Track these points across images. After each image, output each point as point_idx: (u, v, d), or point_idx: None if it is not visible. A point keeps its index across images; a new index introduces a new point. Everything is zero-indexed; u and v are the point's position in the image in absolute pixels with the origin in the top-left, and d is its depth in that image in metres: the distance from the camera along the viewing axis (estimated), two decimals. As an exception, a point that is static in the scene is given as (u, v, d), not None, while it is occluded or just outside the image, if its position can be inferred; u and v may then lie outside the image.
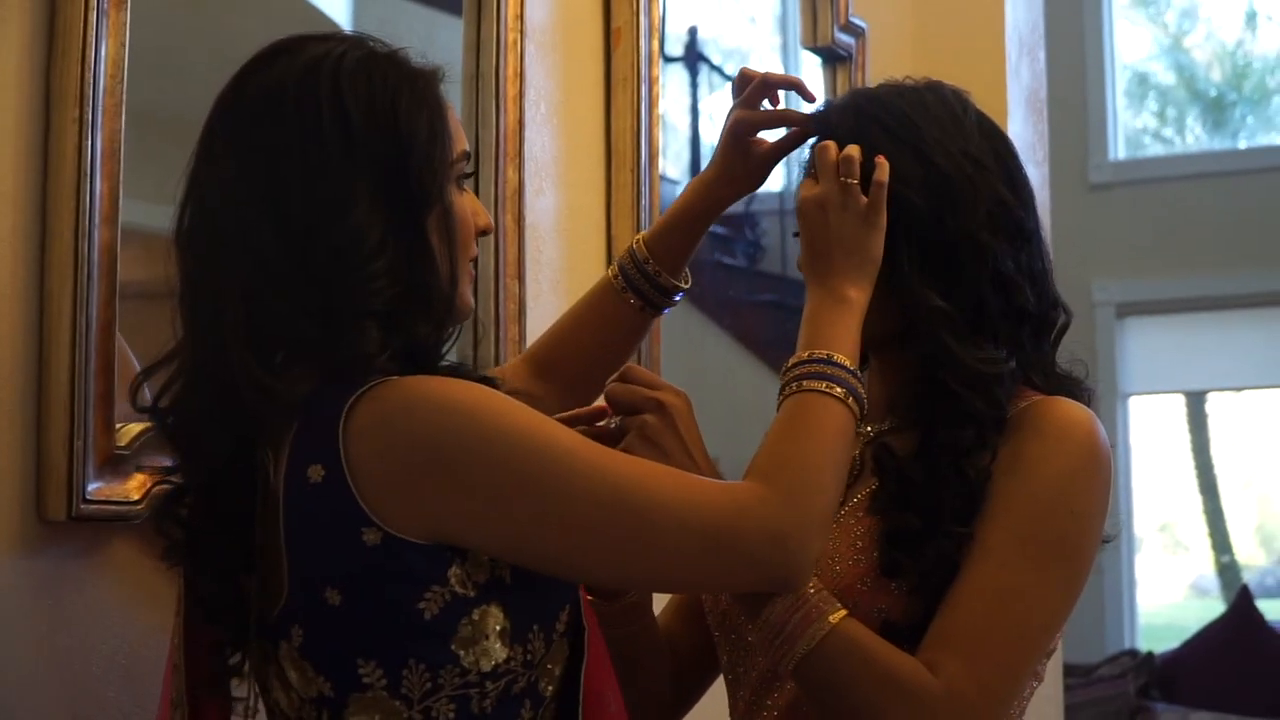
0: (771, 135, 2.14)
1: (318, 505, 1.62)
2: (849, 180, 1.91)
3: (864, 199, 1.91)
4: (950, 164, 1.96)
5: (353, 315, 1.66)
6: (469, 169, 1.84)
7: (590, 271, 3.15)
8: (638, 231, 3.17)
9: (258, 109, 1.70)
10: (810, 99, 2.14)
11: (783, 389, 1.82)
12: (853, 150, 1.93)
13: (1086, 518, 1.90)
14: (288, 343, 1.68)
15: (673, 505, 1.64)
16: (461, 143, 1.80)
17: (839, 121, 2.02)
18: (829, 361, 1.81)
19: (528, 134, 2.94)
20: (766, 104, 2.13)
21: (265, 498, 1.69)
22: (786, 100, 2.15)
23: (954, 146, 1.98)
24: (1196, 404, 10.68)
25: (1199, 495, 10.93)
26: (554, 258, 3.05)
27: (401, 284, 1.68)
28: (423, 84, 1.75)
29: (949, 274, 1.95)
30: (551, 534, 1.63)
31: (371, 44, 1.76)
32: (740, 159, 2.13)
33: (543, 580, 1.68)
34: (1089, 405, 1.98)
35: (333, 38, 1.76)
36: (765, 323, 6.33)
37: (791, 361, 1.84)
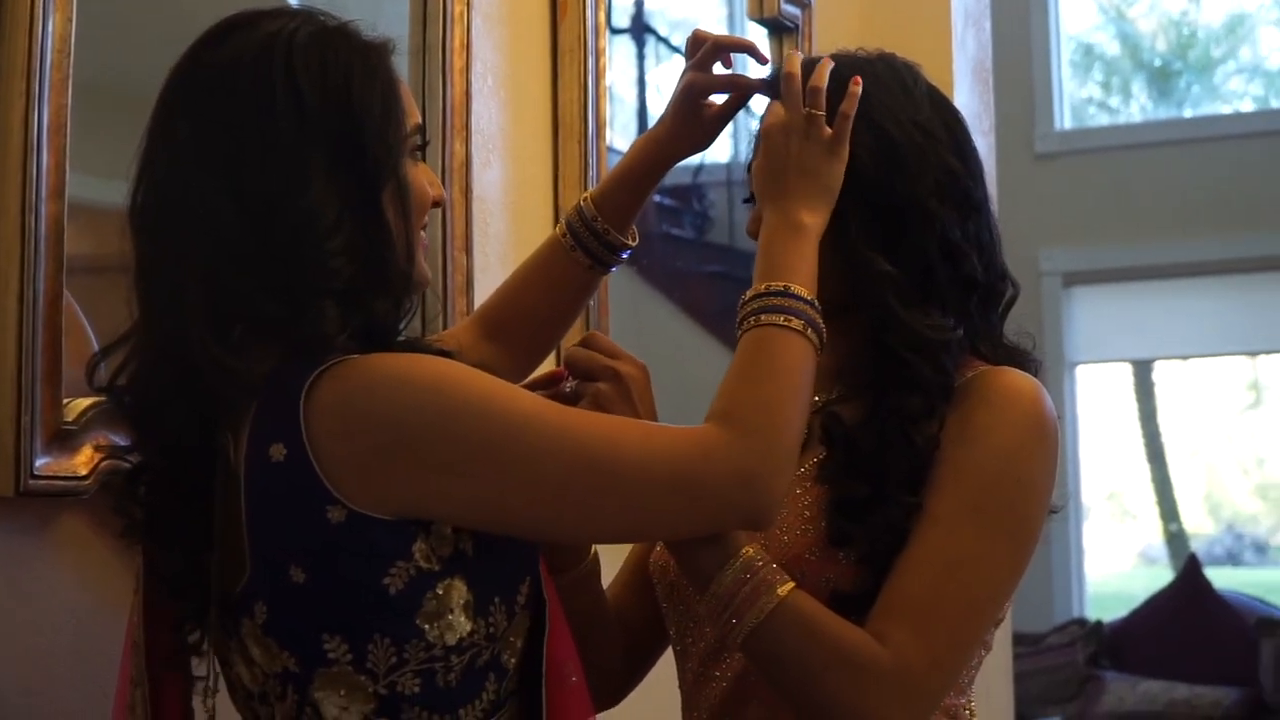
0: (722, 98, 2.15)
1: (280, 484, 1.63)
2: (814, 112, 1.92)
3: (828, 130, 1.92)
4: (900, 131, 1.98)
5: (312, 294, 1.66)
6: (421, 141, 1.84)
7: (537, 244, 3.15)
8: (585, 203, 3.18)
9: (212, 87, 1.70)
10: (763, 61, 2.14)
11: (740, 323, 1.82)
12: (820, 81, 1.94)
13: (1033, 487, 1.91)
14: (247, 320, 1.68)
15: (636, 456, 1.66)
16: (414, 116, 1.80)
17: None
18: (786, 293, 1.81)
19: (474, 106, 2.94)
20: (719, 67, 2.13)
21: (225, 477, 1.69)
22: (738, 64, 2.16)
23: (904, 115, 1.99)
24: (1143, 373, 10.74)
25: (1146, 464, 11.00)
26: (501, 230, 3.05)
27: (359, 261, 1.68)
28: (375, 59, 1.75)
29: (896, 240, 1.96)
30: (520, 497, 1.64)
31: (323, 19, 1.76)
32: (691, 119, 2.13)
33: (503, 552, 1.69)
34: (1036, 376, 1.99)
35: (284, 13, 1.76)
36: (713, 294, 6.34)
37: (748, 295, 1.83)
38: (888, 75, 2.03)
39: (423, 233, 1.83)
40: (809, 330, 1.80)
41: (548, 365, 2.24)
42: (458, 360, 1.70)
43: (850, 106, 1.93)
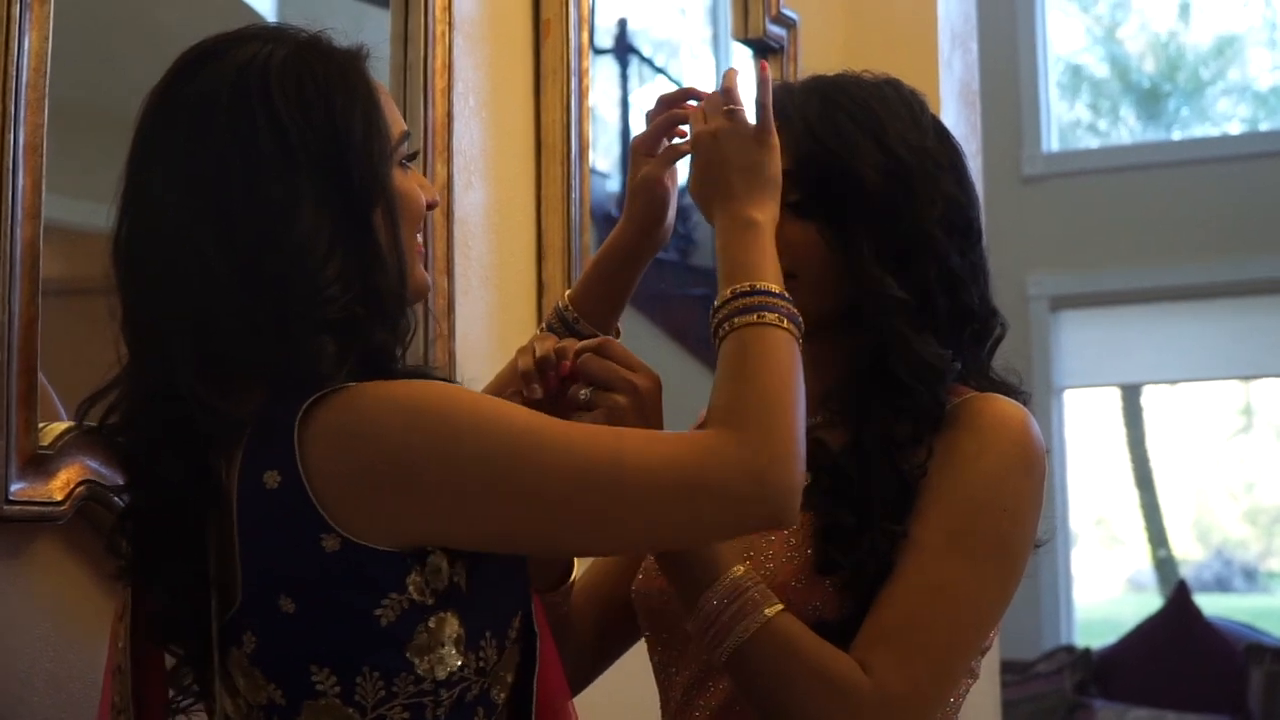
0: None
1: (273, 511, 1.62)
2: (734, 109, 1.92)
3: (750, 124, 1.91)
4: (911, 156, 1.99)
5: (308, 329, 1.65)
6: (411, 149, 1.83)
7: (520, 267, 3.16)
8: (567, 224, 3.18)
9: (190, 120, 1.69)
10: (698, 96, 2.14)
11: (715, 333, 1.81)
12: (730, 80, 1.94)
13: (1020, 515, 1.92)
14: (241, 363, 1.67)
15: (642, 465, 1.64)
16: (399, 124, 1.79)
17: (802, 104, 2.03)
18: (754, 291, 1.80)
19: (456, 127, 2.95)
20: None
21: (218, 505, 1.68)
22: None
23: (913, 141, 2.00)
24: (1131, 397, 10.77)
25: (1135, 489, 11.03)
26: (483, 253, 3.05)
27: (354, 289, 1.67)
28: (353, 73, 1.74)
29: (901, 265, 1.97)
30: (528, 516, 1.63)
31: (294, 34, 1.75)
32: (644, 202, 2.12)
33: (497, 586, 1.69)
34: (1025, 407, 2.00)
35: (257, 36, 1.75)
36: (698, 317, 6.33)
37: (717, 303, 1.82)
38: (896, 101, 2.04)
39: (419, 238, 1.82)
40: (786, 322, 1.79)
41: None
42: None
43: (765, 95, 1.92)
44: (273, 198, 1.66)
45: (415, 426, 1.61)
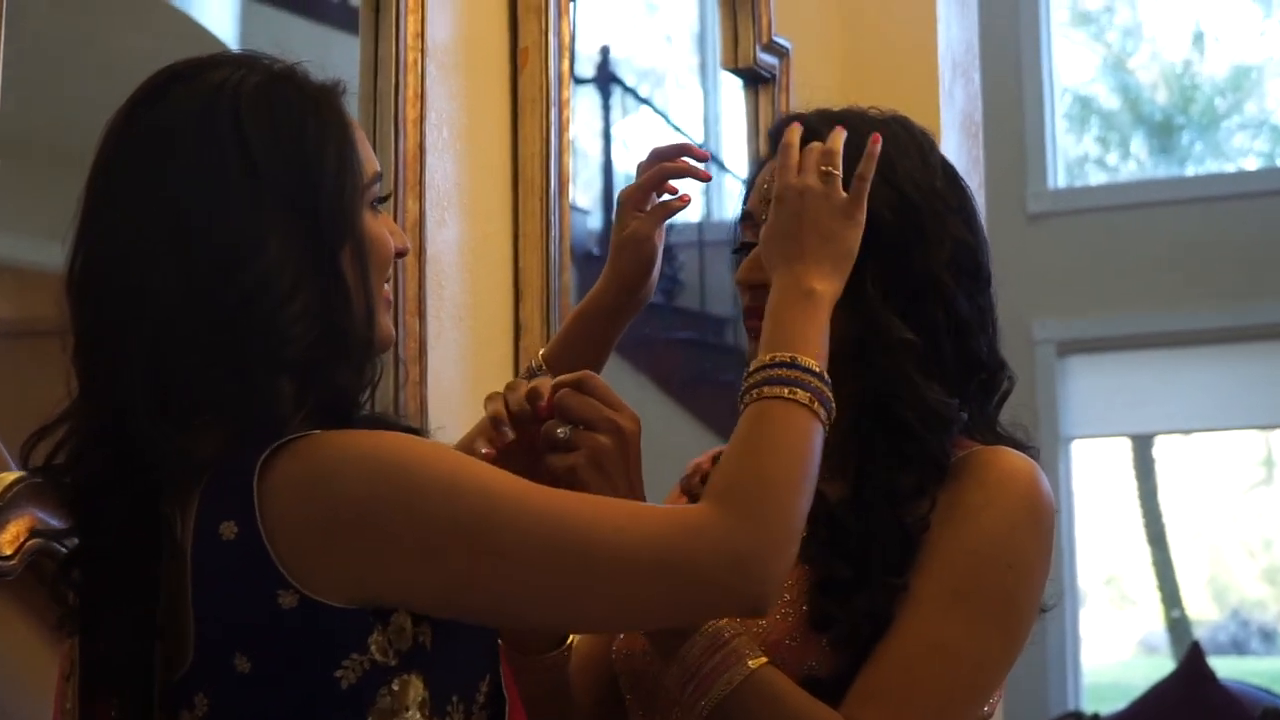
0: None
1: (229, 565, 1.61)
2: (832, 171, 1.92)
3: (844, 193, 1.92)
4: (920, 197, 2.01)
5: (267, 369, 1.65)
6: (383, 192, 1.84)
7: (496, 307, 3.16)
8: (546, 263, 3.19)
9: (154, 146, 1.69)
10: (703, 159, 2.15)
11: (743, 396, 1.80)
12: (836, 143, 1.94)
13: (1026, 572, 1.93)
14: (195, 399, 1.66)
15: (618, 538, 1.63)
16: (372, 164, 1.79)
17: (818, 131, 2.02)
18: (793, 365, 1.80)
19: (429, 160, 2.95)
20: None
21: (170, 556, 1.66)
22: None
23: (923, 181, 2.02)
24: (1143, 448, 10.78)
25: (1147, 546, 11.03)
26: (457, 293, 3.06)
27: (317, 329, 1.67)
28: (327, 107, 1.75)
29: (908, 308, 1.98)
30: (493, 583, 1.62)
31: (268, 63, 1.75)
32: (629, 259, 2.13)
33: (464, 648, 1.68)
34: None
35: (228, 61, 1.75)
36: (683, 362, 6.32)
37: (752, 366, 1.82)
38: (906, 139, 2.06)
39: (386, 286, 1.82)
40: (816, 404, 1.78)
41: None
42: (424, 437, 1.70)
43: (868, 169, 1.93)
44: (236, 231, 1.66)
45: (381, 480, 1.60)
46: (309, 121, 1.72)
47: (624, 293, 2.14)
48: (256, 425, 1.64)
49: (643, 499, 1.86)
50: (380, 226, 1.79)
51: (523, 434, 1.88)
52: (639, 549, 1.63)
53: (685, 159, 2.14)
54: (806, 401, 1.78)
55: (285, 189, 1.68)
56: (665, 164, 2.12)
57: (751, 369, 1.82)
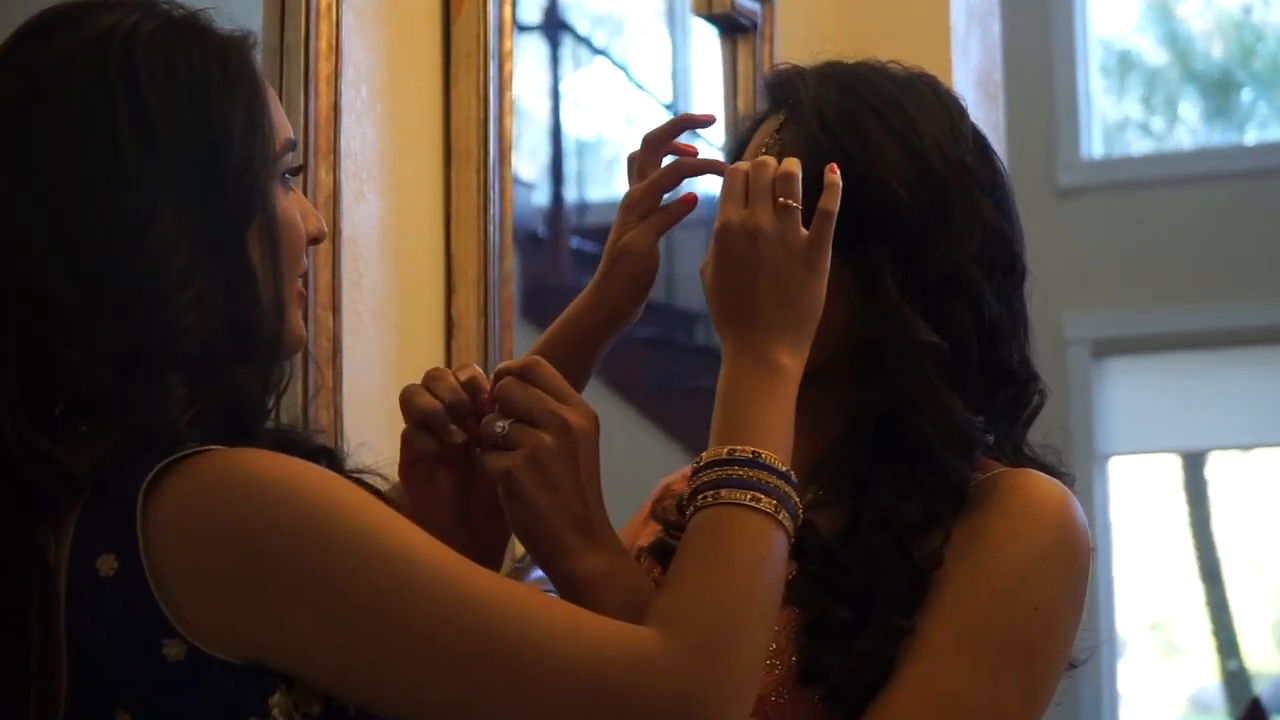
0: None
1: (109, 605, 1.61)
2: (789, 203, 1.87)
3: (804, 231, 1.87)
4: (948, 172, 1.99)
5: (156, 363, 1.65)
6: (296, 163, 1.83)
7: (425, 298, 3.16)
8: (484, 247, 3.19)
9: (30, 99, 1.69)
10: (707, 123, 2.15)
11: (693, 496, 1.78)
12: (792, 165, 1.89)
13: (1054, 615, 1.93)
14: (72, 397, 1.67)
15: (557, 647, 1.61)
16: (285, 130, 1.79)
17: (818, 92, 2.03)
18: (754, 463, 1.77)
19: (344, 123, 2.95)
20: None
21: (42, 588, 1.66)
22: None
23: (951, 154, 2.01)
24: (1195, 467, 10.79)
25: (1199, 584, 11.04)
26: (378, 281, 3.06)
27: (216, 320, 1.67)
28: (236, 60, 1.75)
29: (929, 307, 1.98)
30: (398, 669, 1.61)
31: (166, 8, 1.75)
32: (622, 275, 2.12)
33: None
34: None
35: (121, 3, 1.74)
36: (646, 364, 6.32)
37: (705, 459, 1.80)
38: (934, 103, 2.05)
39: (301, 283, 1.82)
40: (782, 514, 1.76)
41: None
42: (342, 471, 1.70)
43: (831, 202, 1.88)
44: (124, 201, 1.66)
45: (281, 517, 1.59)
46: (213, 77, 1.72)
47: (609, 313, 2.13)
48: (144, 433, 1.64)
49: (601, 512, 1.86)
50: (292, 205, 1.79)
51: (450, 434, 1.88)
52: (578, 664, 1.62)
53: (701, 156, 2.10)
54: (771, 510, 1.75)
55: (183, 153, 1.68)
56: (683, 160, 2.09)
57: (704, 462, 1.80)
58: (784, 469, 1.78)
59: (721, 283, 1.88)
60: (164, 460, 1.61)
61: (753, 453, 1.78)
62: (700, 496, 1.77)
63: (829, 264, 1.87)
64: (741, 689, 1.68)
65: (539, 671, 1.61)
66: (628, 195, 2.11)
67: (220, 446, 1.63)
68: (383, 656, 1.60)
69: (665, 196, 2.12)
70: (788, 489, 1.77)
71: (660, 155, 2.13)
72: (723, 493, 1.76)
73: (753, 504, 1.75)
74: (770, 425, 1.81)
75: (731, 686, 1.67)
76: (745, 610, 1.70)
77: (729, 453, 1.78)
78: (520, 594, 1.65)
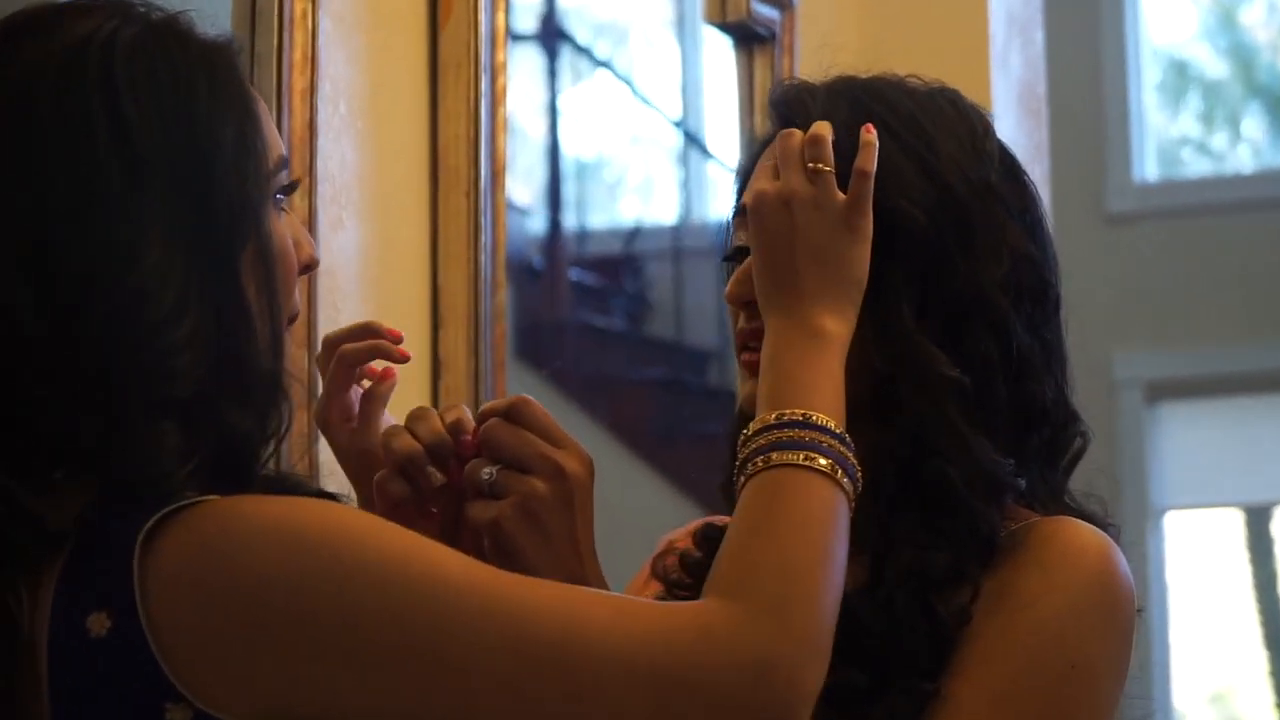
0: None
1: (103, 667, 1.60)
2: (821, 167, 1.90)
3: (840, 195, 1.90)
4: (969, 192, 2.00)
5: (145, 410, 1.64)
6: (288, 180, 1.81)
7: (409, 335, 3.13)
8: (474, 279, 3.20)
9: (3, 109, 1.68)
10: (397, 339, 2.10)
11: (743, 466, 1.79)
12: (822, 128, 1.92)
13: (1094, 674, 1.93)
14: (54, 448, 1.65)
15: (613, 644, 1.61)
16: (278, 146, 1.78)
17: (827, 109, 2.02)
18: (806, 424, 1.79)
19: (321, 144, 2.96)
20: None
21: (15, 651, 1.64)
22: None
23: (973, 173, 2.01)
24: (1259, 522, 10.79)
25: (1264, 651, 11.04)
26: (358, 316, 3.05)
27: (210, 360, 1.66)
28: (223, 69, 1.73)
29: (951, 339, 1.98)
30: (443, 701, 1.61)
31: (144, 10, 1.74)
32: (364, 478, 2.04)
33: None
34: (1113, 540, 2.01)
35: (96, 8, 1.73)
36: (651, 407, 6.30)
37: (753, 428, 1.81)
38: (955, 118, 2.05)
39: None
40: (840, 473, 1.77)
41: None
42: (347, 505, 1.70)
43: (868, 161, 1.91)
44: (106, 227, 1.65)
45: (302, 561, 1.59)
46: (200, 87, 1.71)
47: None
48: (134, 484, 1.63)
49: (595, 568, 1.87)
50: (284, 230, 1.78)
51: (429, 479, 1.89)
52: (638, 657, 1.61)
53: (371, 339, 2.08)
54: (828, 469, 1.76)
55: (170, 174, 1.67)
56: (345, 348, 2.06)
57: (753, 430, 1.81)
58: (837, 429, 1.79)
59: (762, 258, 1.91)
60: (160, 512, 1.61)
61: (803, 415, 1.79)
62: (751, 463, 1.78)
63: (871, 225, 1.90)
64: (813, 653, 1.67)
65: (603, 671, 1.61)
66: (316, 416, 2.09)
67: (216, 496, 1.63)
68: (423, 689, 1.60)
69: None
70: (843, 449, 1.78)
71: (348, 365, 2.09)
72: (773, 456, 1.77)
73: (808, 464, 1.76)
74: (820, 387, 1.83)
75: (801, 650, 1.66)
76: (811, 572, 1.70)
77: (777, 417, 1.80)
78: (563, 595, 1.65)
